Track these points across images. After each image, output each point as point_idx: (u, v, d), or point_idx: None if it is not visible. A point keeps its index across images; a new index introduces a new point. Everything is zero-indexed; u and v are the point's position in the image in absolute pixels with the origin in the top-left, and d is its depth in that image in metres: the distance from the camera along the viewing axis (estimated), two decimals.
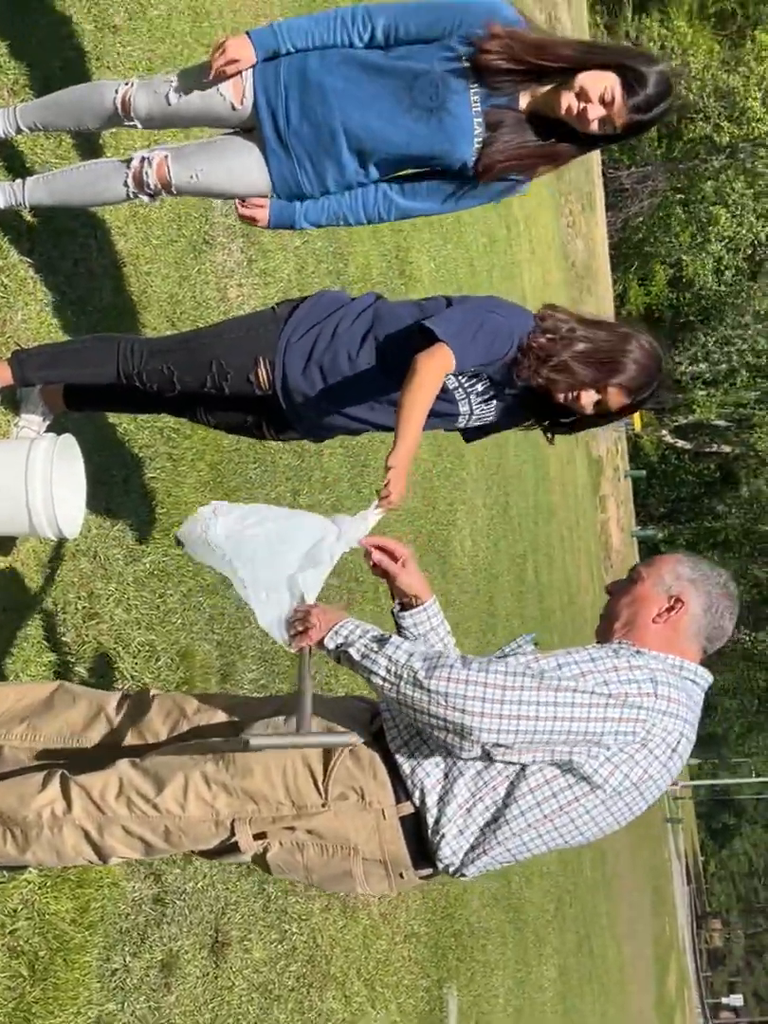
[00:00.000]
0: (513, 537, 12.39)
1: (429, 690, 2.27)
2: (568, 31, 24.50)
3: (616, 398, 3.03)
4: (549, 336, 3.04)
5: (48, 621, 3.40)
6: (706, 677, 2.46)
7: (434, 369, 2.90)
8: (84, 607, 3.62)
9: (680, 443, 38.02)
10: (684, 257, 32.61)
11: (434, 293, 9.18)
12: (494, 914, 8.71)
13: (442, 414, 3.18)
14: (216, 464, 4.80)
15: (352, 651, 2.39)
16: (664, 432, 37.41)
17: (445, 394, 3.09)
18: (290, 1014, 4.67)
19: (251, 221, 3.17)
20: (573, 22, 25.69)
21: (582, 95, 2.91)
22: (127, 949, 3.52)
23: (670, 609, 2.47)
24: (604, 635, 2.54)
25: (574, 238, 25.22)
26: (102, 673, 3.68)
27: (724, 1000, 60.92)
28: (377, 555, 2.66)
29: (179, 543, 2.66)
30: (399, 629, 2.74)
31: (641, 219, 33.75)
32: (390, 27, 2.97)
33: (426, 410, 2.86)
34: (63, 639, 3.47)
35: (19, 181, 3.22)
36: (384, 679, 2.34)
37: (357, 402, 3.17)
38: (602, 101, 2.90)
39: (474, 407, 3.17)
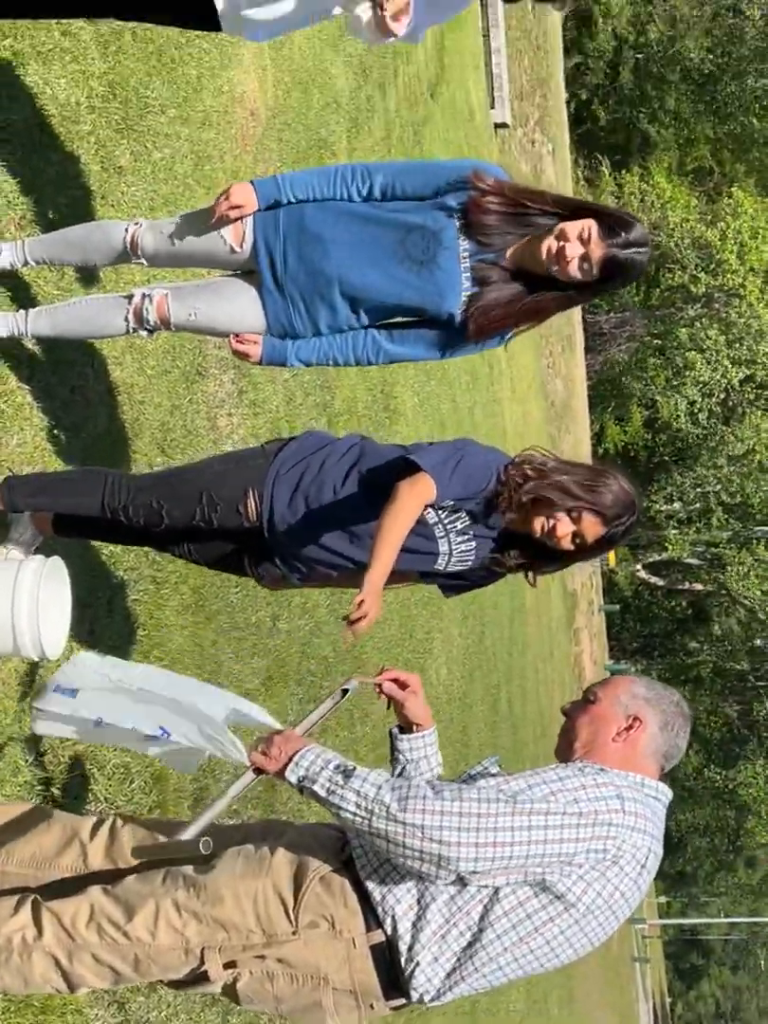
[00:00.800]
0: (488, 667, 12.35)
1: (404, 823, 2.26)
2: (553, 182, 25.28)
3: (592, 527, 3.03)
4: (527, 468, 3.09)
5: (25, 741, 3.37)
6: (667, 793, 2.48)
7: (415, 495, 2.94)
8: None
9: (653, 579, 38.16)
10: (659, 399, 33.14)
11: (417, 426, 9.32)
12: None
13: (420, 552, 3.17)
14: (199, 588, 4.81)
15: (316, 787, 2.36)
16: (638, 568, 37.58)
17: (424, 530, 3.11)
18: None
19: (244, 357, 3.22)
20: (557, 174, 26.51)
21: (561, 236, 2.99)
22: None
23: (629, 728, 2.49)
24: (565, 754, 2.55)
25: (554, 378, 25.65)
26: (76, 794, 3.63)
27: None
28: (388, 685, 2.66)
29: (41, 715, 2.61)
30: (394, 749, 2.74)
31: (619, 362, 34.39)
32: (387, 185, 3.08)
33: (403, 533, 2.89)
34: (40, 759, 3.44)
35: (22, 312, 3.28)
36: (354, 814, 2.32)
37: (339, 531, 3.17)
38: (580, 239, 2.98)
39: (453, 546, 3.17)
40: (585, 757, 2.48)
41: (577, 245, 2.98)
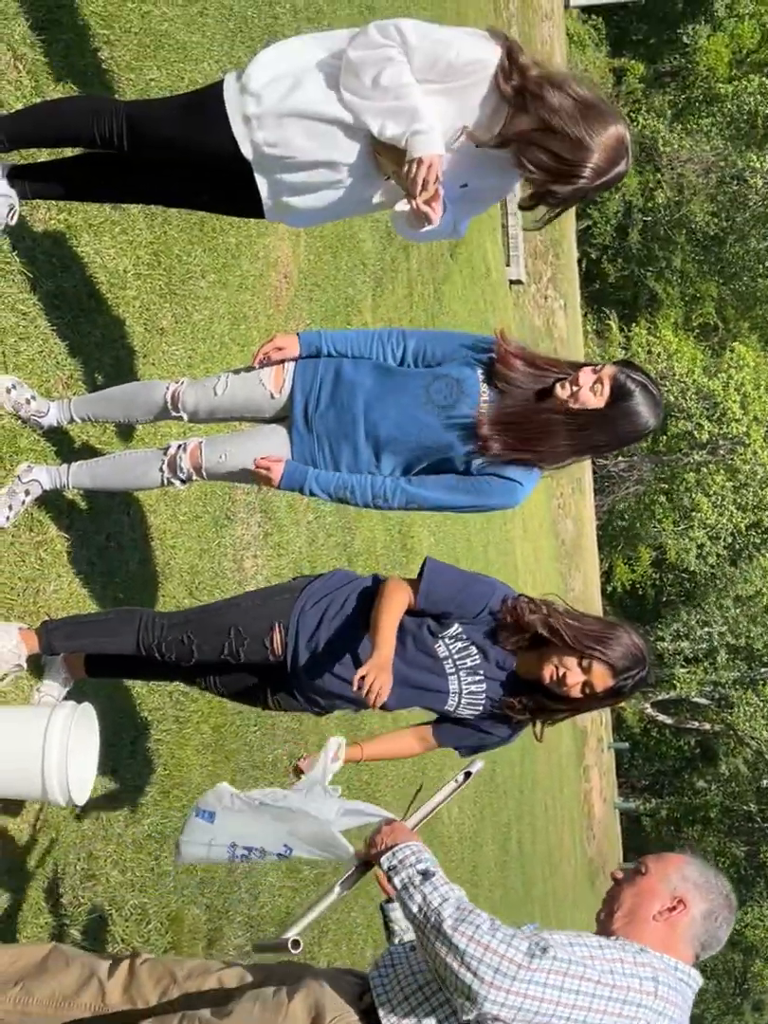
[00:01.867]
0: (498, 805, 12.15)
1: (450, 942, 2.23)
2: (564, 336, 25.75)
3: (601, 678, 3.03)
4: (540, 604, 3.11)
5: (47, 882, 3.33)
6: (698, 980, 2.42)
7: (395, 584, 3.07)
8: (83, 868, 3.56)
9: (661, 717, 37.68)
10: (667, 541, 33.21)
11: None
12: None
13: (431, 689, 3.19)
14: (219, 727, 4.79)
15: (396, 879, 2.40)
16: (646, 705, 37.15)
17: (434, 665, 3.14)
18: None
19: (265, 480, 3.20)
20: (568, 328, 27.02)
21: (574, 381, 3.08)
22: None
23: (672, 909, 2.44)
24: (605, 921, 2.50)
25: (564, 518, 25.76)
26: (95, 935, 3.58)
27: None
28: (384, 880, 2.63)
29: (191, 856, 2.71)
30: (387, 922, 2.74)
31: (627, 504, 34.56)
32: (419, 351, 3.22)
33: (395, 615, 3.00)
34: (60, 900, 3.40)
35: (65, 466, 3.36)
36: (415, 914, 2.33)
37: (356, 666, 3.17)
38: (591, 392, 3.07)
39: (463, 685, 3.17)
40: (623, 929, 2.43)
41: (587, 393, 3.08)
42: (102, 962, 2.67)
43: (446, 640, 3.15)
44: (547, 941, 2.26)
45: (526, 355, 3.18)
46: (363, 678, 2.78)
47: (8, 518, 3.29)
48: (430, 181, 2.87)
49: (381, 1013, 2.41)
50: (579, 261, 33.86)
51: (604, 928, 2.49)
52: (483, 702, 3.21)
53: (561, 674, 3.03)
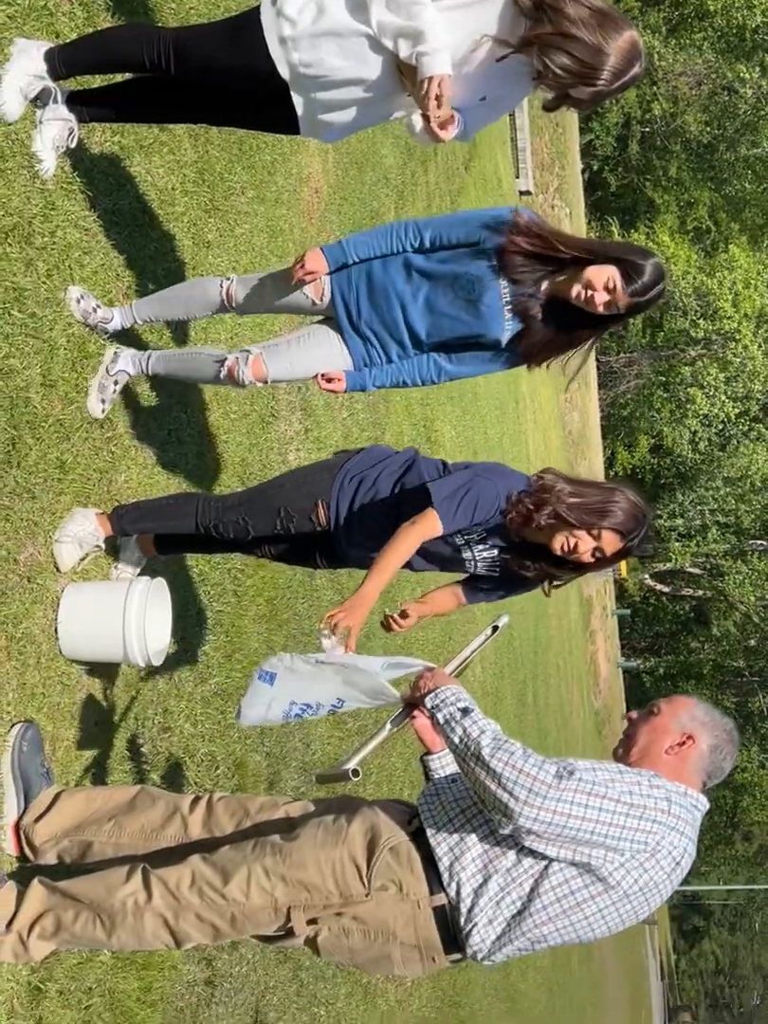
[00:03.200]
0: (516, 665, 12.33)
1: (488, 767, 2.30)
2: None
3: (611, 542, 3.02)
4: (542, 494, 3.07)
5: (130, 734, 3.43)
6: (705, 804, 2.48)
7: (414, 534, 3.03)
8: (159, 722, 3.65)
9: (659, 586, 37.91)
10: (664, 429, 32.99)
11: (454, 454, 9.36)
12: (494, 1004, 8.45)
13: (451, 559, 3.26)
14: (272, 599, 4.87)
15: (439, 715, 2.44)
16: (645, 576, 37.35)
17: (450, 548, 3.19)
18: None
19: (333, 392, 3.34)
20: (574, 234, 26.44)
21: (589, 284, 3.04)
22: None
23: (681, 744, 2.49)
24: (622, 756, 2.56)
25: (571, 411, 25.58)
26: (172, 780, 3.69)
27: None
28: (419, 721, 2.68)
29: (250, 720, 2.72)
30: (427, 771, 2.79)
31: (628, 397, 34.26)
32: (436, 236, 3.17)
33: (395, 567, 3.00)
34: (141, 750, 3.50)
35: (148, 354, 3.40)
36: (456, 746, 2.38)
37: (382, 535, 3.19)
38: (606, 289, 3.03)
39: (476, 554, 3.22)
40: (639, 762, 2.49)
41: (603, 294, 3.03)
42: (183, 799, 2.76)
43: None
44: (573, 765, 2.33)
45: (535, 231, 3.09)
46: (333, 615, 2.79)
47: (104, 410, 3.33)
48: (441, 97, 2.80)
49: (429, 833, 2.49)
50: (582, 172, 33.04)
51: (621, 761, 2.54)
52: (499, 565, 3.23)
53: (573, 544, 3.02)
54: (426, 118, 2.88)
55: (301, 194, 5.77)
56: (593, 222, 34.50)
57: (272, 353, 3.29)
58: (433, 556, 3.25)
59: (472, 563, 3.24)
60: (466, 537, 3.17)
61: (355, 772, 2.50)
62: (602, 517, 2.98)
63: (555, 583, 3.32)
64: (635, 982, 34.79)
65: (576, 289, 3.06)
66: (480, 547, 3.19)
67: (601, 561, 3.07)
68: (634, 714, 2.62)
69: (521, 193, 17.90)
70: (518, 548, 3.17)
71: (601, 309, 3.06)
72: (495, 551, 3.20)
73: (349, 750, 2.94)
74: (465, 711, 2.41)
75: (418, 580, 6.49)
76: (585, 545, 3.02)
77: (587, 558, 3.05)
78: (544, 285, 3.14)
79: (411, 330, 3.21)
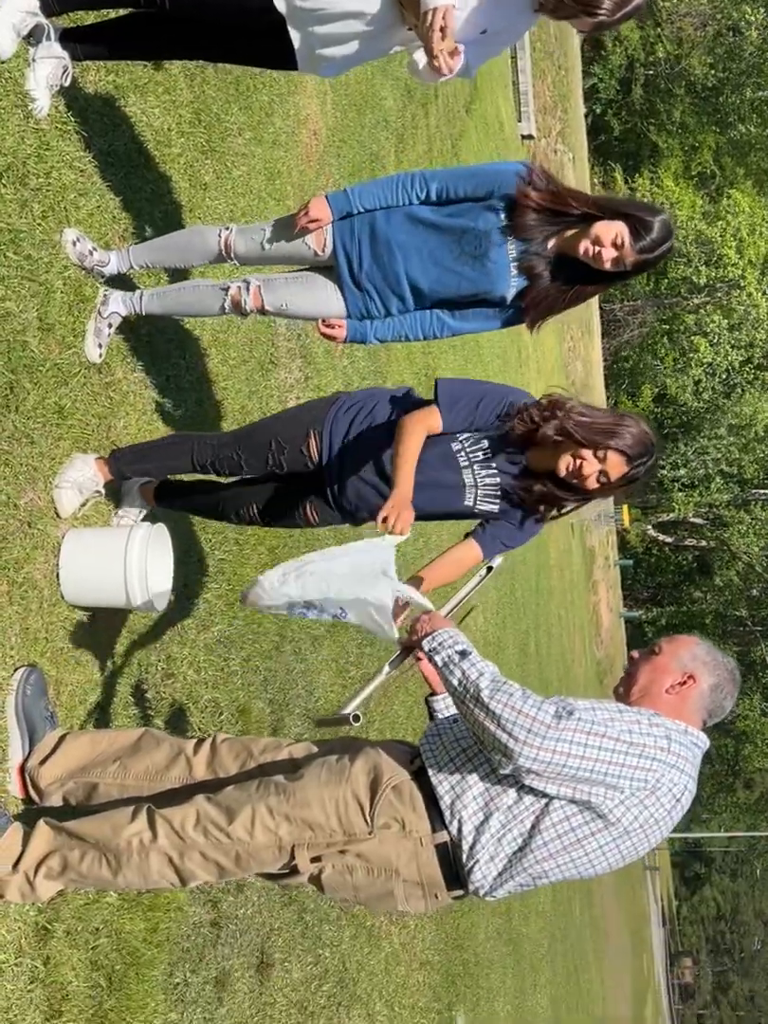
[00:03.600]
0: (518, 615, 12.38)
1: (488, 708, 2.31)
2: (572, 185, 24.96)
3: (616, 466, 2.94)
4: (550, 408, 3.01)
5: (134, 680, 3.45)
6: (705, 742, 2.50)
7: (416, 421, 2.99)
8: (163, 668, 3.68)
9: (662, 537, 37.98)
10: (668, 379, 32.89)
11: None
12: (497, 947, 8.58)
13: (447, 485, 3.10)
14: (273, 548, 4.87)
15: (438, 658, 2.44)
16: (648, 527, 37.40)
17: (448, 461, 3.08)
18: None
19: (332, 339, 3.31)
20: (576, 180, 26.19)
21: (597, 241, 3.01)
22: (188, 966, 3.51)
23: (682, 683, 2.50)
24: (623, 695, 2.57)
25: (574, 360, 25.47)
26: (176, 726, 3.72)
27: None
28: (425, 664, 2.70)
29: (256, 605, 2.69)
30: (431, 713, 2.82)
31: (631, 346, 34.10)
32: (443, 189, 3.12)
33: (413, 451, 2.91)
34: (145, 695, 3.52)
35: (139, 293, 3.37)
36: (455, 689, 2.39)
37: (379, 467, 3.18)
38: (614, 245, 3.01)
39: (477, 478, 3.10)
40: (639, 701, 2.50)
41: (611, 250, 3.01)
42: (188, 742, 2.79)
43: (460, 437, 3.10)
44: (572, 705, 2.34)
45: (546, 188, 3.05)
46: (385, 517, 2.70)
47: (100, 354, 3.32)
48: (445, 29, 2.75)
49: (430, 773, 2.51)
50: (585, 116, 32.67)
51: (622, 700, 2.56)
52: (498, 494, 3.13)
53: (577, 465, 2.94)
54: (430, 53, 2.83)
55: (299, 136, 5.70)
56: (596, 167, 34.16)
57: (269, 286, 3.27)
58: (436, 486, 3.08)
59: (473, 491, 3.11)
60: (470, 454, 3.08)
61: (355, 717, 2.51)
62: (609, 437, 2.91)
63: (556, 511, 3.20)
64: (636, 928, 35.34)
65: (584, 245, 3.03)
66: (482, 471, 3.09)
67: (605, 486, 2.99)
68: (636, 653, 2.64)
69: (523, 137, 17.69)
70: (521, 473, 3.10)
71: (608, 265, 3.03)
72: (497, 477, 3.10)
73: (353, 690, 2.95)
74: (463, 653, 2.42)
75: (418, 530, 6.49)
76: (590, 467, 2.94)
77: (592, 483, 2.97)
78: (552, 242, 3.11)
79: (413, 285, 3.18)
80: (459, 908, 7.30)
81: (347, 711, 2.54)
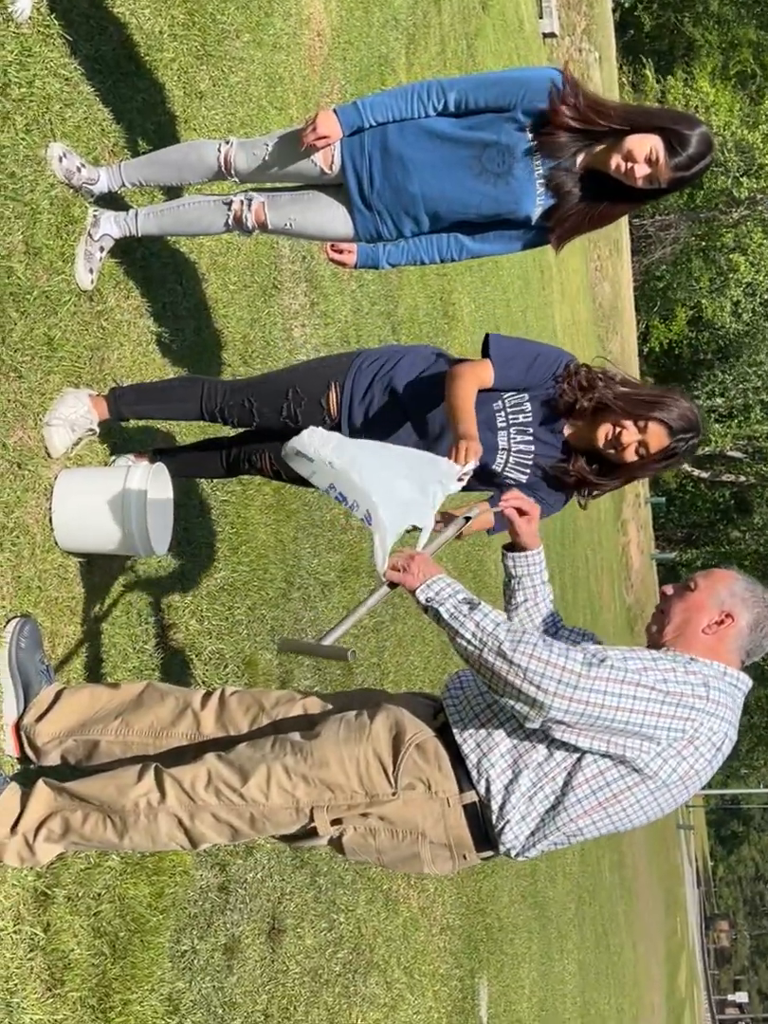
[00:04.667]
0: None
1: (511, 661, 2.31)
2: (599, 89, 24.57)
3: (657, 438, 3.00)
4: (597, 373, 3.06)
5: (133, 631, 3.48)
6: (747, 683, 2.51)
7: (468, 369, 3.00)
8: (164, 618, 3.71)
9: (697, 472, 37.84)
10: (703, 300, 32.54)
11: (473, 331, 9.26)
12: (521, 910, 8.71)
13: (485, 449, 3.09)
14: (279, 488, 4.88)
15: (442, 609, 2.41)
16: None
17: (488, 418, 3.10)
18: (337, 997, 4.71)
19: (341, 264, 3.31)
20: (603, 81, 25.76)
21: (629, 156, 2.98)
22: (195, 933, 3.58)
23: (720, 622, 2.51)
24: (657, 634, 2.58)
25: (601, 281, 25.23)
26: (178, 679, 3.75)
27: (730, 997, 60.22)
28: (510, 510, 2.68)
29: (293, 454, 2.60)
30: (505, 566, 2.78)
31: (664, 264, 33.71)
32: (461, 99, 3.06)
33: (468, 396, 2.93)
34: (145, 647, 3.55)
35: (133, 212, 3.35)
36: (469, 642, 2.37)
37: (405, 423, 3.19)
38: (647, 161, 2.97)
39: (512, 442, 3.13)
40: (674, 642, 2.52)
41: (644, 166, 2.98)
42: (195, 694, 2.80)
43: (504, 396, 3.13)
44: (604, 653, 2.35)
45: (577, 103, 3.00)
46: (456, 451, 2.69)
47: (92, 280, 3.30)
48: None
49: (454, 731, 2.53)
50: (613, 10, 32.00)
51: (655, 640, 2.59)
52: (530, 464, 3.16)
53: (617, 433, 3.00)
54: None
55: (302, 38, 5.61)
56: (625, 67, 33.52)
57: (273, 202, 3.25)
58: None
59: (505, 455, 3.14)
60: (509, 416, 3.11)
61: (353, 653, 2.44)
62: (652, 408, 2.97)
63: (593, 492, 3.25)
64: (670, 890, 35.84)
65: (615, 160, 2.99)
66: (518, 437, 3.13)
67: (644, 460, 3.04)
68: (669, 589, 2.63)
69: (545, 36, 17.37)
70: (559, 449, 3.14)
71: (641, 182, 3.00)
72: (532, 446, 3.13)
73: (333, 621, 2.85)
74: (470, 604, 2.41)
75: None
76: (630, 436, 2.99)
77: (630, 454, 3.02)
78: (580, 157, 3.07)
79: (429, 205, 3.14)
80: (481, 870, 7.41)
81: (327, 641, 2.47)
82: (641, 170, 2.98)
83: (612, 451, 3.04)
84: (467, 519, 2.78)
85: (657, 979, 26.64)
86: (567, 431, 3.15)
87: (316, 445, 2.53)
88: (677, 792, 2.43)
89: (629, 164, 2.98)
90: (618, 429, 3.01)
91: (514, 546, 2.77)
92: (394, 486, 2.52)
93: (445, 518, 2.72)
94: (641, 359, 34.26)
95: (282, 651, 2.59)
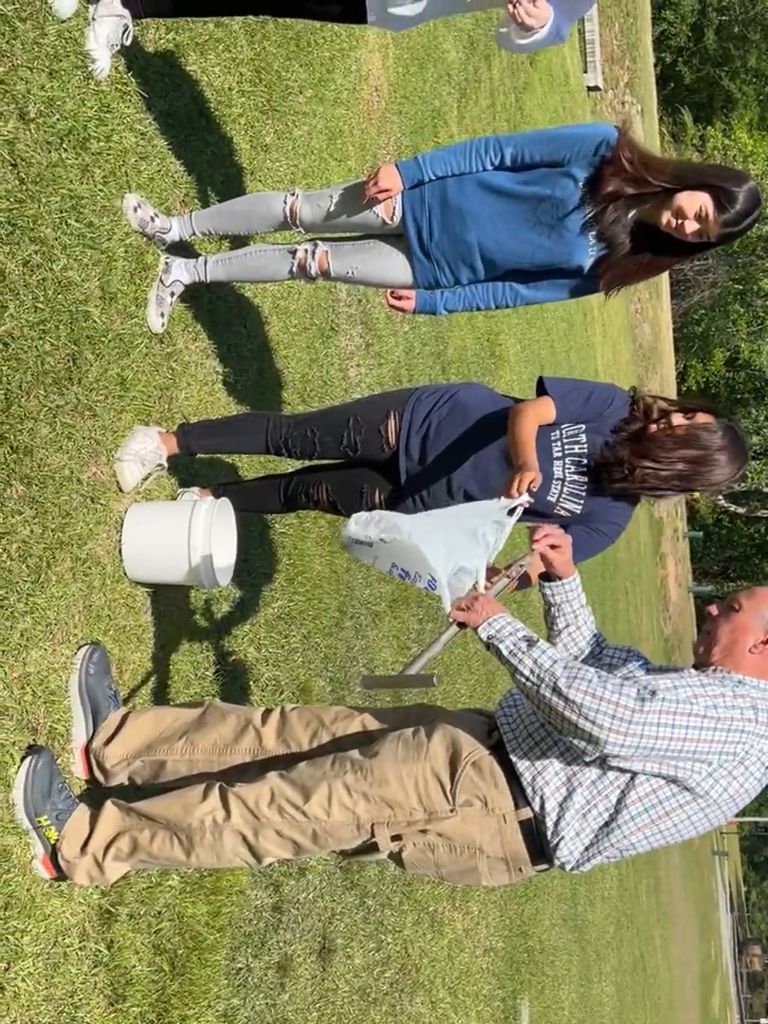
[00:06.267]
0: (584, 588, 12.29)
1: (566, 698, 2.30)
2: (641, 138, 24.55)
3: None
4: (653, 423, 3.02)
5: (195, 657, 3.49)
6: None
7: (529, 409, 2.98)
8: (224, 645, 3.71)
9: (733, 508, 37.52)
10: (741, 342, 32.36)
11: (519, 370, 9.25)
12: (562, 933, 8.60)
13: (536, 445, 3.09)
14: (333, 521, 4.87)
15: (502, 647, 2.41)
16: (719, 498, 36.97)
17: (544, 445, 3.06)
18: (384, 1016, 4.66)
19: (401, 310, 3.32)
20: (645, 131, 25.78)
21: (680, 213, 2.96)
22: (250, 951, 3.56)
23: (765, 642, 2.48)
24: (704, 654, 2.55)
25: (642, 323, 25.16)
26: (236, 703, 3.74)
27: (762, 1021, 59.01)
28: (545, 548, 2.65)
29: (351, 544, 2.63)
30: (544, 598, 2.76)
31: (702, 308, 33.56)
32: (518, 154, 3.07)
33: (531, 431, 2.92)
34: (206, 673, 3.55)
35: (202, 259, 3.38)
36: (527, 678, 2.36)
37: (459, 457, 3.16)
38: (697, 218, 2.95)
39: (567, 472, 3.09)
40: (722, 662, 2.49)
41: (694, 223, 2.95)
42: (255, 712, 2.79)
43: (561, 426, 3.10)
44: (654, 685, 2.33)
45: (631, 160, 2.98)
46: (515, 480, 2.68)
47: (163, 324, 3.33)
48: None
49: (509, 749, 2.51)
50: (654, 64, 32.06)
51: (703, 660, 2.55)
52: (583, 495, 3.12)
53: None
54: (514, 17, 2.77)
55: (361, 93, 5.66)
56: (665, 118, 33.54)
57: (336, 251, 3.27)
58: None
59: (559, 485, 3.11)
60: (565, 446, 3.08)
61: (438, 678, 2.46)
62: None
63: (645, 493, 3.14)
64: (704, 913, 35.26)
65: (666, 217, 2.98)
66: (572, 468, 3.09)
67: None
68: (714, 609, 2.60)
69: (589, 89, 17.44)
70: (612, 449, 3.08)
71: (691, 237, 2.99)
72: (586, 477, 3.10)
73: (409, 658, 2.88)
74: (529, 641, 2.40)
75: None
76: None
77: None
78: (632, 211, 3.05)
79: (485, 255, 3.15)
80: (523, 893, 7.33)
81: (413, 671, 2.47)
82: (691, 227, 2.96)
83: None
84: (521, 566, 2.77)
85: (691, 1002, 26.17)
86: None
87: (363, 527, 2.57)
88: (727, 808, 2.43)
89: (680, 220, 2.96)
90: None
91: (550, 576, 2.75)
92: (444, 538, 2.54)
93: (493, 573, 2.69)
94: (679, 398, 34.05)
95: (367, 688, 2.61)
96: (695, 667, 2.56)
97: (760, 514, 37.53)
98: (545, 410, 3.03)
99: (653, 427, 3.01)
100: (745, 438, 3.06)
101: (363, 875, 4.59)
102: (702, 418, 2.99)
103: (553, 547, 2.68)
